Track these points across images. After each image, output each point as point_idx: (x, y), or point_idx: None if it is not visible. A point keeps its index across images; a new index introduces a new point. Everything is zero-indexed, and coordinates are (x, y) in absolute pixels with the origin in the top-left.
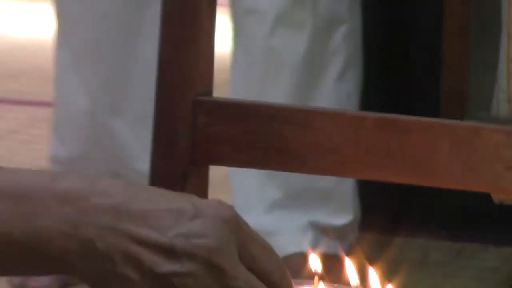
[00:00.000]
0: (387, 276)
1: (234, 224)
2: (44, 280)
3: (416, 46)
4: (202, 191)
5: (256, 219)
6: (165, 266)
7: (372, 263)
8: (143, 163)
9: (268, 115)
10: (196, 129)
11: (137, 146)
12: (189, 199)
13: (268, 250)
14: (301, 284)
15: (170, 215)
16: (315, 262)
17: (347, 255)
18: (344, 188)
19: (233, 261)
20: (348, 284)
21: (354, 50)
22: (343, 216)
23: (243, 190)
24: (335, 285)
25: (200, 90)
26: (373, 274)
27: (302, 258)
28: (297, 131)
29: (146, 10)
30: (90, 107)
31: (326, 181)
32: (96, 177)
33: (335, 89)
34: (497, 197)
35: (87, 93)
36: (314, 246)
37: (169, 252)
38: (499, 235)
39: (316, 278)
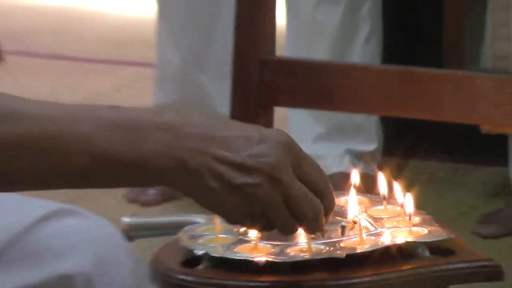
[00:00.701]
0: (405, 189)
1: (289, 147)
2: (152, 194)
3: (424, 14)
4: (268, 126)
5: (306, 147)
6: (240, 178)
7: (394, 179)
8: (224, 107)
9: (316, 68)
10: (263, 80)
11: (219, 94)
12: (256, 128)
13: (315, 167)
14: (341, 195)
15: (242, 140)
16: (354, 177)
17: (376, 174)
18: (371, 123)
19: (289, 175)
20: (377, 194)
21: (376, 20)
22: (370, 144)
23: (297, 126)
24: (368, 195)
25: (266, 50)
26: (397, 187)
27: (342, 176)
28: (337, 80)
29: None
30: (182, 65)
31: (357, 118)
32: (190, 113)
33: (363, 50)
34: (484, 129)
35: (180, 54)
36: (350, 168)
37: (242, 168)
38: (487, 157)
39: (353, 188)
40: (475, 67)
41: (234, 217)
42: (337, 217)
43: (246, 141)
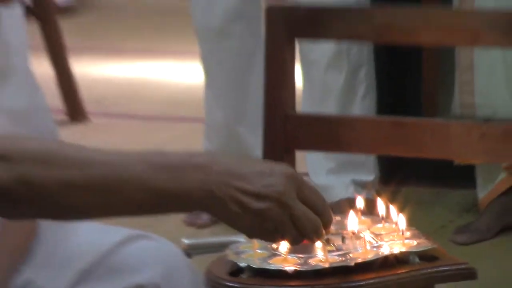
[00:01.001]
0: (398, 210)
1: (293, 177)
2: (205, 218)
3: (407, 74)
4: (291, 165)
5: (320, 179)
6: (255, 204)
7: (389, 203)
8: (257, 151)
9: (327, 121)
10: (286, 130)
11: (254, 141)
12: (268, 165)
13: (314, 191)
14: (343, 217)
15: (257, 174)
16: (359, 202)
17: (375, 199)
18: (370, 159)
19: (293, 199)
20: (377, 215)
21: (371, 81)
22: (370, 175)
23: (312, 163)
24: (370, 216)
25: (288, 107)
26: (392, 209)
27: (349, 201)
28: (343, 129)
29: (256, 56)
30: (224, 120)
31: (359, 156)
32: (216, 155)
33: (362, 104)
34: (457, 162)
35: (222, 112)
36: (355, 194)
37: (257, 196)
38: (460, 182)
39: (356, 211)
40: (447, 114)
41: (252, 234)
42: (340, 230)
43: (259, 175)
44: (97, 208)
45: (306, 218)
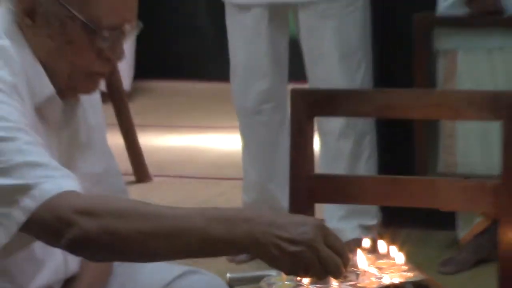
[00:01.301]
0: (397, 248)
1: (321, 227)
2: (243, 256)
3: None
4: (311, 215)
5: (333, 224)
6: (291, 248)
7: (390, 243)
8: (285, 204)
9: (338, 179)
10: (309, 188)
11: (282, 196)
12: (301, 217)
13: (337, 239)
14: (353, 255)
15: (292, 225)
16: (365, 242)
17: (377, 239)
18: (373, 208)
19: (321, 245)
20: (379, 253)
21: (372, 147)
22: (373, 220)
23: (328, 211)
24: (374, 253)
25: (309, 168)
26: (392, 247)
27: (356, 241)
28: (352, 186)
29: (282, 129)
30: (258, 178)
31: (365, 206)
32: (260, 210)
33: (366, 166)
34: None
35: (256, 172)
36: (361, 235)
37: (292, 242)
38: (444, 225)
39: (363, 250)
40: (434, 172)
41: (288, 271)
42: (353, 268)
43: (295, 225)
44: (163, 252)
45: (330, 259)
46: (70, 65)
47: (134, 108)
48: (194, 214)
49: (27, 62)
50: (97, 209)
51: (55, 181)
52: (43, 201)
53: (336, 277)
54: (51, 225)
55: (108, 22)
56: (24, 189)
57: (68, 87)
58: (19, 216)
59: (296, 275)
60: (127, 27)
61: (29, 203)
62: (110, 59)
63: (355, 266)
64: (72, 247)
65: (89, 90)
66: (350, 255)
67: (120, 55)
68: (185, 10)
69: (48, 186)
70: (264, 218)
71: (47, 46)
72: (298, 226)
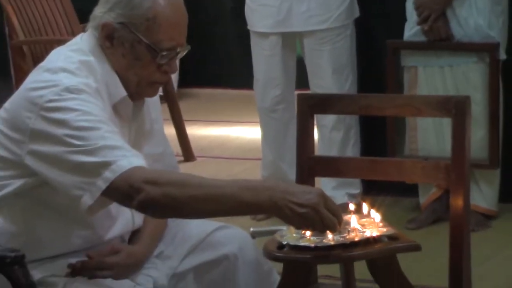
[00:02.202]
0: (375, 210)
1: (322, 195)
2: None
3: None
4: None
5: (327, 192)
6: (300, 210)
7: (370, 207)
8: (293, 177)
9: (333, 160)
10: (311, 166)
11: (291, 172)
12: (307, 187)
13: (334, 203)
14: (346, 214)
15: (301, 193)
16: (351, 206)
17: (360, 204)
18: (357, 180)
19: (322, 208)
20: (362, 213)
21: (357, 137)
22: (357, 189)
23: (323, 183)
24: (358, 214)
25: (310, 152)
26: (371, 210)
27: (345, 205)
28: (343, 164)
29: (291, 123)
30: (273, 158)
31: (351, 179)
32: (277, 181)
33: (352, 151)
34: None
35: (271, 153)
36: (348, 201)
37: (301, 205)
38: (409, 193)
39: (349, 211)
40: (402, 155)
41: (298, 227)
42: (346, 226)
43: (302, 193)
44: (208, 212)
45: (329, 219)
46: (138, 76)
47: (182, 107)
48: (230, 184)
49: (106, 73)
50: (160, 179)
51: (128, 159)
52: (120, 173)
53: (333, 232)
54: (125, 191)
55: (166, 45)
56: (105, 164)
57: (136, 92)
58: (101, 184)
59: (304, 229)
60: (179, 48)
61: (109, 174)
62: (167, 71)
63: (347, 224)
64: (141, 208)
65: (151, 94)
66: (343, 215)
67: (174, 68)
68: (220, 35)
69: (123, 163)
70: (280, 187)
71: (121, 61)
72: (305, 193)
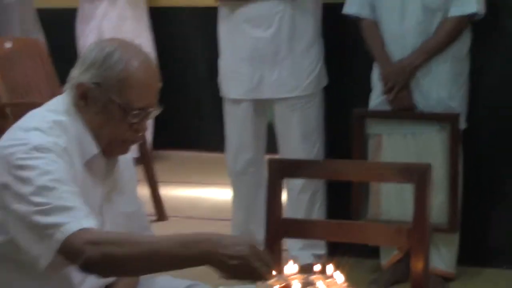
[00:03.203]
0: (339, 271)
1: (253, 246)
2: None
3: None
4: (278, 248)
5: (294, 252)
6: (231, 261)
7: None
8: (261, 237)
9: (300, 222)
10: (278, 229)
11: (259, 233)
12: (239, 239)
13: (265, 254)
14: (311, 275)
15: (233, 245)
16: (316, 267)
17: (326, 265)
18: (322, 242)
19: (252, 258)
20: (327, 275)
21: (323, 200)
22: (322, 250)
23: (290, 244)
24: (322, 275)
25: (279, 215)
26: (335, 271)
27: (310, 265)
28: (308, 226)
29: (261, 185)
30: (243, 220)
31: (316, 240)
32: (211, 234)
33: (317, 213)
34: (370, 243)
35: (242, 215)
36: (313, 262)
37: (232, 257)
38: (370, 254)
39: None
40: (365, 219)
41: (231, 277)
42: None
43: (234, 245)
44: (147, 268)
45: (259, 269)
46: (110, 134)
47: (156, 169)
48: (166, 240)
49: (79, 131)
50: (100, 240)
51: (78, 221)
52: (68, 235)
53: (264, 280)
54: (71, 252)
55: (137, 105)
56: (57, 226)
57: (108, 149)
58: (53, 245)
59: (237, 279)
60: (150, 109)
61: (59, 236)
62: (138, 130)
63: (312, 284)
64: (84, 269)
65: (122, 152)
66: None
67: (145, 128)
68: (193, 99)
69: (73, 225)
70: (213, 240)
71: (94, 120)
72: (236, 245)
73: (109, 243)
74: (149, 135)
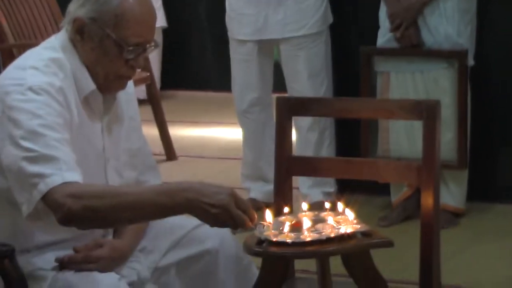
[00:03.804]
0: (349, 208)
1: (233, 195)
2: None
3: (353, 134)
4: (289, 186)
5: (304, 190)
6: (212, 210)
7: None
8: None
9: (309, 159)
10: (288, 167)
11: (269, 171)
12: (219, 187)
13: (244, 202)
14: (321, 212)
15: (214, 193)
16: (327, 204)
17: (335, 202)
18: (332, 180)
19: (231, 207)
20: (337, 212)
21: (332, 138)
22: (332, 188)
23: (301, 181)
24: (333, 211)
25: (288, 152)
26: (345, 207)
27: (321, 203)
28: (320, 163)
29: (267, 124)
30: (252, 158)
31: (326, 178)
32: (192, 182)
33: (326, 151)
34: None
35: (251, 153)
36: (323, 199)
37: (214, 206)
38: (382, 192)
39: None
40: (374, 155)
41: (212, 225)
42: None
43: (214, 193)
44: (130, 219)
45: (238, 217)
46: (105, 69)
47: (165, 109)
48: (148, 190)
49: (76, 67)
50: (81, 193)
51: (62, 174)
52: (51, 187)
53: (244, 228)
54: (52, 205)
55: (133, 41)
56: (42, 176)
57: (104, 85)
58: (36, 195)
59: (218, 227)
60: (147, 45)
61: (43, 187)
62: (134, 67)
63: (324, 221)
64: (65, 222)
65: (119, 88)
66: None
67: (141, 64)
68: (201, 42)
69: (56, 178)
70: (194, 188)
71: (90, 55)
72: (217, 194)
73: (90, 196)
74: (157, 75)
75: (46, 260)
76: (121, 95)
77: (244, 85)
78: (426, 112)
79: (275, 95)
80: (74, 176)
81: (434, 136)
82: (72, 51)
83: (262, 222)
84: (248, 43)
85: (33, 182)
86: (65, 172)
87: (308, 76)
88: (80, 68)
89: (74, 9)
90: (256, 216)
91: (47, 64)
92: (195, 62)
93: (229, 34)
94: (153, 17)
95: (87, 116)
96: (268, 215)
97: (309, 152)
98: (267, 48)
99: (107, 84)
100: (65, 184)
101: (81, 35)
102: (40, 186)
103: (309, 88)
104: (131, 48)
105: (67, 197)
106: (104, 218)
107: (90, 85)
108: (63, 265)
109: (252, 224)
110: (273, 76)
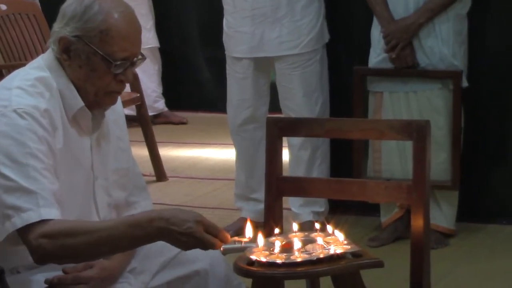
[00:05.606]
0: (337, 229)
1: (200, 221)
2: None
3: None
4: (279, 206)
5: (295, 209)
6: (182, 238)
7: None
8: (262, 196)
9: (300, 180)
10: (278, 186)
11: (260, 190)
12: (187, 214)
13: (213, 226)
14: (311, 233)
15: (181, 221)
16: (316, 225)
17: (325, 223)
18: (323, 200)
19: (200, 234)
20: (327, 232)
21: (324, 157)
22: (322, 208)
23: (291, 201)
24: (323, 232)
25: (279, 172)
26: (334, 229)
27: (310, 223)
28: (308, 184)
29: (261, 143)
30: (244, 177)
31: (316, 198)
32: (161, 210)
33: (318, 170)
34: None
35: (243, 173)
36: (313, 219)
37: (182, 234)
38: (371, 212)
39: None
40: (365, 176)
41: (184, 250)
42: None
43: (182, 222)
44: (106, 253)
45: (208, 243)
46: (95, 86)
47: (155, 129)
48: (118, 224)
49: (63, 85)
50: (57, 232)
51: (39, 210)
52: (25, 224)
53: (215, 249)
54: (27, 245)
55: (120, 56)
56: (18, 210)
57: (94, 102)
58: (8, 227)
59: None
60: (134, 58)
61: (17, 221)
62: (123, 81)
63: (313, 242)
64: (42, 262)
65: (109, 103)
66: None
67: (130, 78)
68: (195, 61)
69: (32, 214)
70: (163, 216)
71: (78, 73)
72: (185, 222)
73: (65, 234)
74: (157, 93)
75: (36, 281)
76: (109, 115)
77: (239, 102)
78: (416, 132)
79: (268, 116)
80: (50, 213)
81: (424, 156)
82: (58, 69)
83: (238, 239)
84: (244, 60)
85: (7, 213)
86: (42, 208)
87: (302, 95)
88: (67, 87)
89: (59, 29)
90: (229, 237)
91: (33, 84)
92: (187, 83)
93: (226, 51)
94: (138, 31)
95: (76, 133)
96: (248, 230)
97: (300, 171)
98: (263, 66)
99: (98, 100)
100: (40, 223)
101: (67, 54)
102: (14, 219)
103: (303, 106)
104: (118, 62)
105: (41, 237)
106: (80, 255)
107: (78, 102)
108: (52, 286)
109: (222, 244)
110: (269, 96)
